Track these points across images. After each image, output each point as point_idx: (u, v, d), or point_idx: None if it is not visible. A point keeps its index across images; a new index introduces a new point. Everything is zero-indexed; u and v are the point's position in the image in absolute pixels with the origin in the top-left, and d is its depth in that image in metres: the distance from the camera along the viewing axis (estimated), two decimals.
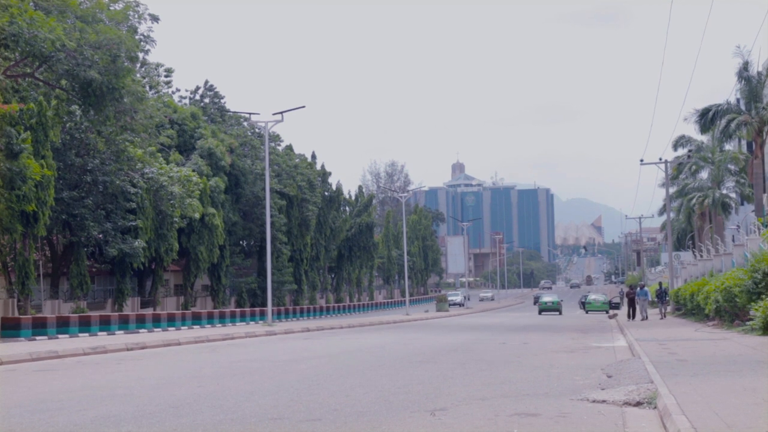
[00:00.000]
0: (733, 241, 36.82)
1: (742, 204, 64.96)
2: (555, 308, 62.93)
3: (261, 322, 45.74)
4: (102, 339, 26.83)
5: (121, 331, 34.44)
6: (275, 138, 72.11)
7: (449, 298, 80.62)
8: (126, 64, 36.04)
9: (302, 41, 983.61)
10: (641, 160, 52.52)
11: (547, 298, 67.32)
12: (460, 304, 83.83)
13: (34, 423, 9.09)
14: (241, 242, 66.31)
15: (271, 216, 56.24)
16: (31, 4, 34.25)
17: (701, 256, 45.45)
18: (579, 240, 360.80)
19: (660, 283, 43.06)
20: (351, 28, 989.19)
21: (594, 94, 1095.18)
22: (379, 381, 12.77)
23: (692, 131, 53.09)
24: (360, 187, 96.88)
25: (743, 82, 44.30)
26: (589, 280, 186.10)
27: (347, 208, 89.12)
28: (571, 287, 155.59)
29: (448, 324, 41.22)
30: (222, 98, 69.25)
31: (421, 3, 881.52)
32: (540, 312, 62.94)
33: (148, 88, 51.82)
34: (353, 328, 36.26)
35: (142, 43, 42.16)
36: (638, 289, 40.89)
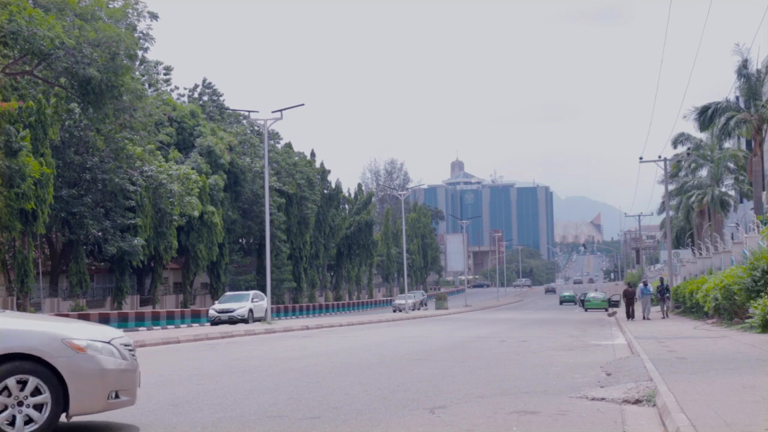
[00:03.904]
0: (732, 238, 36.74)
1: (741, 202, 64.95)
2: (572, 300, 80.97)
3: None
4: None
5: (120, 329, 34.39)
6: (274, 136, 72.12)
7: (215, 308, 41.43)
8: (125, 61, 36.04)
9: (302, 39, 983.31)
10: (640, 158, 52.49)
11: (566, 292, 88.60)
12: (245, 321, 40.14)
13: None
14: (240, 240, 66.34)
15: (271, 214, 56.23)
16: (30, 1, 34.23)
17: (700, 253, 45.44)
18: (578, 238, 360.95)
19: (661, 279, 42.69)
20: (351, 26, 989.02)
21: (593, 93, 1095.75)
22: (378, 379, 12.77)
23: (691, 129, 53.14)
24: (359, 185, 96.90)
25: (742, 79, 44.25)
26: (591, 280, 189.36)
27: (346, 206, 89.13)
28: (574, 283, 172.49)
29: (447, 321, 41.23)
30: (221, 96, 69.31)
31: (421, 2, 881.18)
32: (561, 303, 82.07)
33: (147, 85, 51.83)
34: (352, 326, 36.26)
35: (141, 41, 42.15)
36: (641, 285, 40.33)
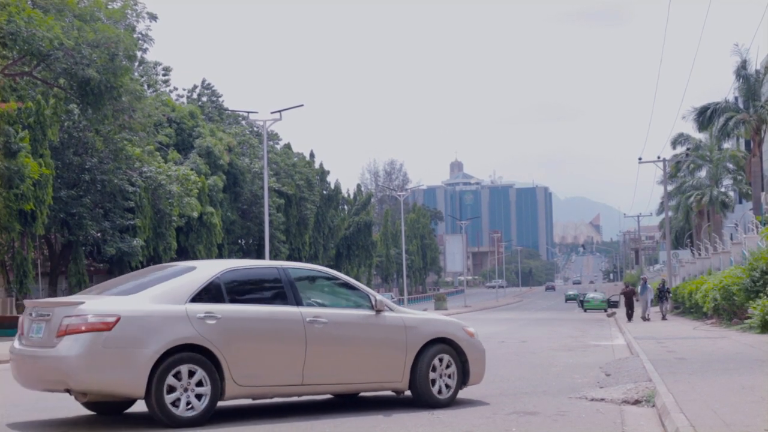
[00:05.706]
0: (731, 239, 36.73)
1: (740, 202, 65.00)
2: (575, 298, 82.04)
3: None
4: None
5: None
6: (273, 137, 72.11)
7: None
8: (124, 62, 35.97)
9: (301, 40, 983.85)
10: (639, 159, 52.57)
11: (571, 291, 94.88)
12: None
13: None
14: (239, 241, 66.31)
15: (270, 215, 56.21)
16: (29, 2, 34.17)
17: (699, 254, 45.47)
18: (577, 238, 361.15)
19: (663, 281, 42.63)
20: (350, 26, 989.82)
21: (593, 93, 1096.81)
22: None
23: (691, 129, 53.14)
24: (358, 186, 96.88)
25: (741, 80, 44.30)
26: (591, 281, 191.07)
27: (346, 207, 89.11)
28: (574, 283, 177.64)
29: None
30: (220, 97, 69.29)
31: (420, 2, 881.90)
32: (566, 300, 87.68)
33: (146, 86, 51.80)
34: None
35: (140, 41, 42.09)
36: (641, 284, 40.10)
